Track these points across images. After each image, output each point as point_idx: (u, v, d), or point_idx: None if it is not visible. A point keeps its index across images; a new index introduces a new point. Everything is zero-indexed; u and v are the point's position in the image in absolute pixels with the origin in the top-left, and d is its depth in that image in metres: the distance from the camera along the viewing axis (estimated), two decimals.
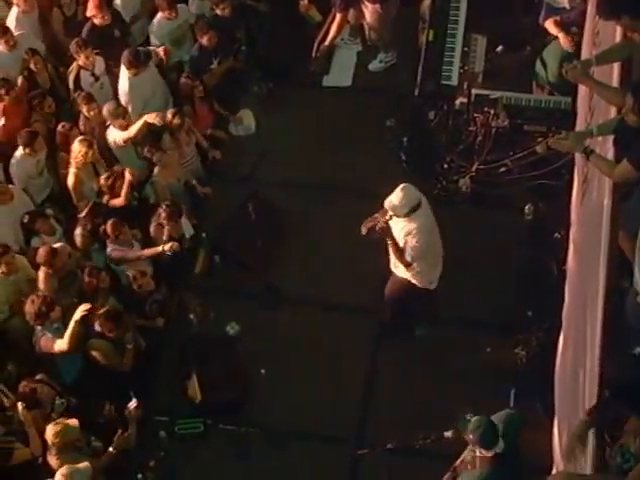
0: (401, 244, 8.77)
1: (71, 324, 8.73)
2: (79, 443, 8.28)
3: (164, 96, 10.81)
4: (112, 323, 8.89)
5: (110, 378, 9.03)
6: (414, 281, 9.08)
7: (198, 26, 10.98)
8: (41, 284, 9.24)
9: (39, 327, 8.90)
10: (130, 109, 10.39)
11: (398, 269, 9.08)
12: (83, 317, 8.75)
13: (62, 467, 8.03)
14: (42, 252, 9.20)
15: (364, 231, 8.87)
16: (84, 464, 7.99)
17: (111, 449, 8.41)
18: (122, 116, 10.14)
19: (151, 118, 10.12)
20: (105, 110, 10.18)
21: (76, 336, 8.76)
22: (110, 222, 9.48)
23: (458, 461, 7.72)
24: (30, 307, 8.77)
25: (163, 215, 9.67)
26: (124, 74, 10.47)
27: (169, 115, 10.28)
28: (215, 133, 11.03)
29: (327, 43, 11.47)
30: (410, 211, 8.57)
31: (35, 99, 10.34)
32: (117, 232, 9.47)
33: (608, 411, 5.93)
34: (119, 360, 9.06)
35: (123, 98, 10.53)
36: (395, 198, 8.54)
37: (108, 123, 10.29)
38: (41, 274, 9.26)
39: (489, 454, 7.22)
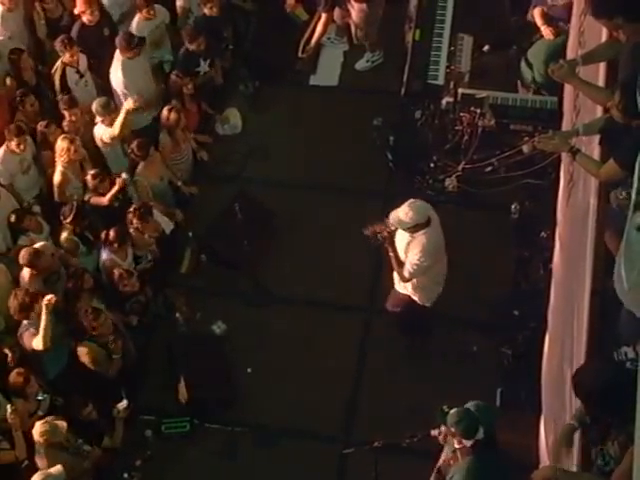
0: (402, 258, 8.60)
1: (42, 318, 8.62)
2: (67, 444, 8.27)
3: (154, 90, 10.77)
4: (93, 319, 8.86)
5: (96, 376, 9.01)
6: (414, 297, 8.97)
7: (186, 31, 10.92)
8: (26, 285, 9.16)
9: (25, 321, 8.84)
10: (126, 98, 10.32)
11: (400, 285, 8.93)
12: (53, 310, 8.66)
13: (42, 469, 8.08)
14: (24, 253, 9.11)
15: (367, 233, 8.62)
16: (57, 468, 7.98)
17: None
18: (113, 112, 10.09)
19: (130, 105, 10.04)
20: (95, 106, 10.12)
21: (49, 333, 8.67)
22: (114, 229, 9.43)
23: (440, 461, 7.74)
24: (13, 300, 8.72)
25: (134, 221, 9.61)
26: (117, 61, 10.43)
27: (165, 112, 10.24)
28: (198, 138, 10.99)
29: (313, 43, 11.50)
30: (415, 227, 8.38)
31: (17, 98, 10.28)
32: (119, 240, 9.42)
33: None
34: (105, 367, 9.03)
35: (119, 88, 10.49)
36: (401, 212, 8.29)
37: (97, 120, 10.23)
38: (25, 274, 9.21)
39: (469, 443, 7.26)
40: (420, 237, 8.43)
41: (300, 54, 11.57)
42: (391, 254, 8.59)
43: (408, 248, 8.51)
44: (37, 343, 8.74)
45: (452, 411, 7.30)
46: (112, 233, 9.42)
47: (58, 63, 10.54)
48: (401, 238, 8.56)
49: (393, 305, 9.24)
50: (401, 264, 8.60)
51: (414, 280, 8.73)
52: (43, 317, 8.64)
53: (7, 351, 8.87)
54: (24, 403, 8.50)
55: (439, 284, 8.95)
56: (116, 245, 9.43)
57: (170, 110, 10.24)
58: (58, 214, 9.79)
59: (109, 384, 8.98)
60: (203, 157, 10.86)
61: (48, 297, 8.66)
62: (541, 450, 7.93)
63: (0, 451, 8.33)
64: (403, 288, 8.93)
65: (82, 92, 10.50)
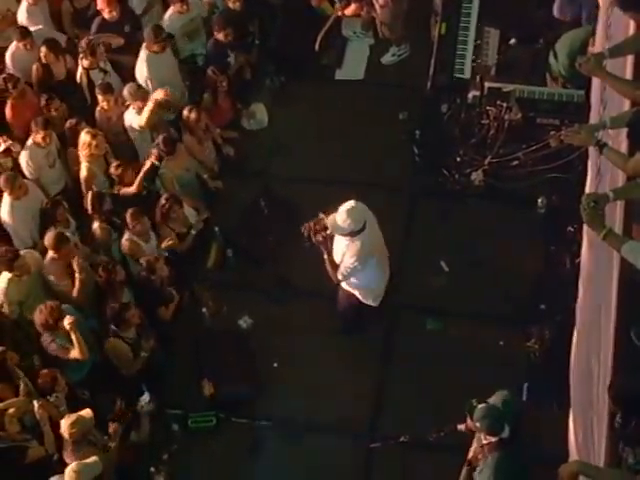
0: (337, 260, 8.67)
1: (72, 337, 8.68)
2: (93, 438, 8.30)
3: (179, 87, 10.79)
4: (119, 312, 8.92)
5: (121, 373, 9.08)
6: (357, 294, 9.05)
7: (215, 21, 10.99)
8: (47, 269, 9.28)
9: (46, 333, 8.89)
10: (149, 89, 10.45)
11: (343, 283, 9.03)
12: (72, 326, 8.69)
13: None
14: (49, 236, 9.20)
15: (304, 231, 8.68)
16: (92, 458, 8.00)
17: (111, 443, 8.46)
18: (143, 98, 10.14)
19: (160, 95, 10.13)
20: (126, 91, 10.18)
21: (83, 343, 8.74)
22: (130, 212, 9.47)
23: (470, 454, 7.72)
24: (38, 317, 8.75)
25: (166, 206, 9.65)
26: (143, 55, 10.51)
27: (185, 112, 10.30)
28: (225, 133, 11.00)
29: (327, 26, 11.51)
30: (351, 233, 8.42)
31: (43, 99, 10.32)
32: (136, 222, 9.46)
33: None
34: (128, 365, 9.06)
35: (142, 81, 10.56)
36: (339, 218, 8.33)
37: (127, 103, 10.28)
38: (47, 259, 9.28)
39: (494, 439, 7.26)
40: (356, 242, 8.48)
41: (317, 48, 11.56)
42: (325, 257, 8.68)
43: (343, 252, 8.58)
44: (75, 355, 8.78)
45: (479, 406, 7.30)
46: (128, 216, 9.47)
47: (80, 71, 10.57)
48: (337, 240, 8.62)
49: (342, 299, 9.30)
50: (335, 266, 8.69)
51: (351, 280, 8.83)
52: (73, 336, 8.68)
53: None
54: (52, 403, 8.54)
55: (380, 282, 9.01)
56: (136, 225, 9.46)
57: (190, 110, 10.28)
58: (83, 211, 9.85)
59: (135, 379, 9.01)
60: (229, 153, 10.88)
61: (69, 320, 8.67)
62: (570, 445, 7.90)
63: (30, 448, 8.36)
64: (347, 286, 9.02)
65: None
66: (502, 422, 7.27)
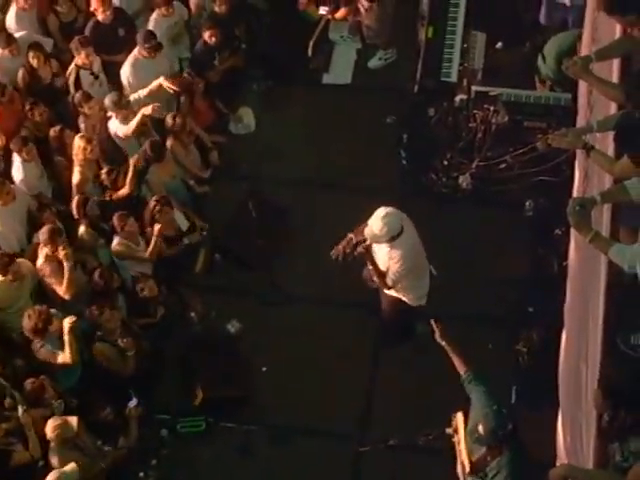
0: (383, 268, 8.62)
1: (65, 338, 8.70)
2: (81, 442, 8.30)
3: (166, 94, 10.78)
4: (98, 315, 8.94)
5: (111, 377, 9.06)
6: (404, 298, 9.02)
7: (202, 22, 11.00)
8: (41, 270, 9.28)
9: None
10: (129, 92, 10.42)
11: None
12: (72, 327, 8.72)
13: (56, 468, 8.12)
14: (45, 230, 9.20)
15: (335, 256, 8.70)
16: (71, 466, 8.03)
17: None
18: (125, 107, 10.12)
19: (148, 110, 10.10)
20: (108, 100, 10.15)
21: (75, 347, 8.75)
22: (117, 215, 9.49)
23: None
24: (27, 323, 8.73)
25: (157, 208, 9.65)
26: (131, 56, 10.49)
27: (169, 119, 10.24)
28: (211, 138, 10.97)
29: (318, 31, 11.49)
30: (391, 239, 8.38)
31: (27, 105, 10.29)
32: (122, 224, 9.47)
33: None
34: (120, 365, 9.06)
35: (124, 81, 10.55)
36: (375, 227, 8.28)
37: (109, 115, 10.26)
38: (41, 259, 9.28)
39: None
40: (398, 246, 8.44)
41: (310, 54, 11.56)
42: (370, 267, 8.64)
43: (387, 258, 8.54)
44: (64, 359, 8.79)
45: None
46: (115, 219, 9.50)
47: (72, 66, 10.56)
48: (378, 250, 8.58)
49: (387, 307, 9.26)
50: (382, 274, 8.64)
51: (400, 284, 8.77)
52: (66, 338, 8.70)
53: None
54: (42, 412, 8.52)
55: (423, 279, 8.98)
56: (124, 227, 9.48)
57: (174, 117, 10.24)
58: (70, 216, 9.85)
59: (124, 384, 9.00)
60: (213, 160, 10.81)
61: (70, 319, 8.70)
62: (558, 447, 7.91)
63: (14, 452, 8.36)
64: (395, 292, 8.97)
65: (97, 93, 10.50)
66: (505, 427, 7.20)
